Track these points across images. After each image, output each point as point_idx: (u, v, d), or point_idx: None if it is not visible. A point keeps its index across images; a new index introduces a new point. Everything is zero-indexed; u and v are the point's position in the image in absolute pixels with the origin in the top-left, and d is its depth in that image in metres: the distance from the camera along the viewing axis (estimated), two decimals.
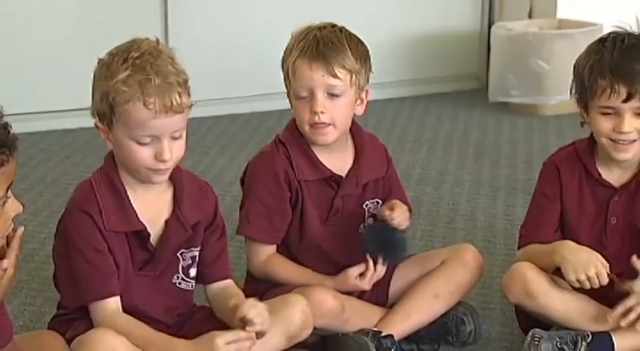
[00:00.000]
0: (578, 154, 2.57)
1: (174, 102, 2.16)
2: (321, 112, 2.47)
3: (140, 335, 2.21)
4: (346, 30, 2.55)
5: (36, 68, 4.53)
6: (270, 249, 2.58)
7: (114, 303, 2.25)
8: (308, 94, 2.49)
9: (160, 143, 2.19)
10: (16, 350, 2.10)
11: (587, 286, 2.44)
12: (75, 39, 4.57)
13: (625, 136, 2.47)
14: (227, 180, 3.83)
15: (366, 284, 2.53)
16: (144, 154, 2.20)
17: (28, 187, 3.85)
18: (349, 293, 2.58)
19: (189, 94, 2.21)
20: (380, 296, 2.65)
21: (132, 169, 2.25)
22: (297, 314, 2.36)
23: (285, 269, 2.56)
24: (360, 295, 2.62)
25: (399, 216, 2.51)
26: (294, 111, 2.54)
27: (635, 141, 2.48)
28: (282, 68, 2.54)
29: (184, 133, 2.24)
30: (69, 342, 2.24)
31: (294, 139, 2.56)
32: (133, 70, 2.16)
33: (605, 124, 2.47)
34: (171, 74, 2.18)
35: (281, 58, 2.55)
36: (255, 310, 2.20)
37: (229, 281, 2.40)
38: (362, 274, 2.52)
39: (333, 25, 2.55)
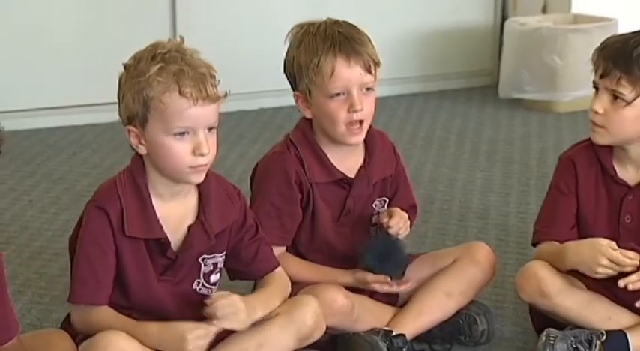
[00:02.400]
0: (595, 150, 2.54)
1: (209, 90, 2.16)
2: (361, 110, 2.44)
3: (118, 328, 2.18)
4: (352, 24, 2.52)
5: (44, 64, 4.52)
6: (280, 250, 2.55)
7: (98, 309, 2.23)
8: (344, 93, 2.44)
9: (197, 137, 2.17)
10: (20, 347, 2.08)
11: (611, 273, 2.39)
12: (83, 35, 4.57)
13: (592, 116, 2.46)
14: (237, 177, 3.80)
15: (380, 289, 2.52)
16: (181, 150, 2.17)
17: (35, 183, 3.84)
18: (360, 291, 2.56)
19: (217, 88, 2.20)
20: (391, 295, 2.63)
21: (169, 169, 2.20)
22: (309, 315, 2.33)
23: (298, 266, 2.53)
24: (371, 293, 2.60)
25: (396, 224, 2.49)
26: (324, 111, 2.46)
27: (602, 127, 2.45)
28: (300, 69, 2.46)
29: (216, 131, 2.21)
30: (81, 341, 2.21)
31: (305, 139, 2.53)
32: (165, 63, 2.15)
33: (591, 102, 2.48)
34: (202, 66, 2.18)
35: (292, 58, 2.48)
36: (222, 301, 2.19)
37: (274, 271, 2.39)
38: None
39: (337, 21, 2.51)
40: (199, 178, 2.22)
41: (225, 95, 2.20)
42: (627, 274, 2.41)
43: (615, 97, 2.43)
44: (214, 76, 2.19)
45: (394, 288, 2.52)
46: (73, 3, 4.57)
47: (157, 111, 2.16)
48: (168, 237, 2.25)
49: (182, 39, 2.23)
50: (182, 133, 2.17)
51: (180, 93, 2.14)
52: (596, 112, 2.45)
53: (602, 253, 2.39)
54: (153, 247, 2.25)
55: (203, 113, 2.16)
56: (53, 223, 3.43)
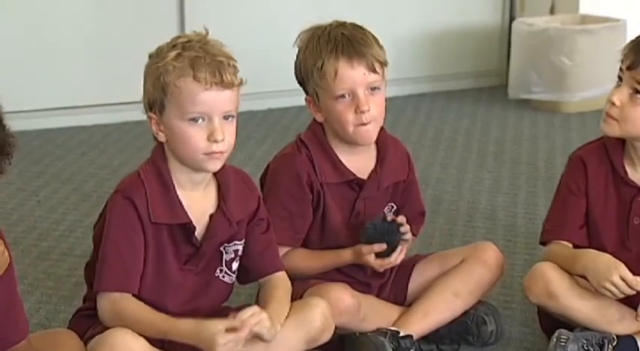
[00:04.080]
0: (607, 149, 2.52)
1: (224, 76, 2.19)
2: (367, 111, 2.44)
3: (149, 321, 2.18)
4: (359, 25, 2.52)
5: (52, 65, 4.53)
6: (287, 249, 2.53)
7: (126, 297, 2.23)
8: (349, 95, 2.45)
9: (212, 123, 2.19)
10: (30, 348, 2.09)
11: (616, 294, 2.37)
12: (91, 36, 4.57)
13: (608, 107, 2.43)
14: None
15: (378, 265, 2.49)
16: (196, 136, 2.19)
17: (44, 183, 3.85)
18: (367, 291, 2.56)
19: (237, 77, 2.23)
20: (398, 295, 2.63)
21: (185, 156, 2.23)
22: (317, 317, 2.33)
23: (304, 255, 2.53)
24: (378, 293, 2.60)
25: (407, 230, 2.49)
26: (332, 114, 2.47)
27: (615, 120, 2.43)
28: (307, 73, 2.47)
29: (235, 121, 2.23)
30: (89, 339, 2.22)
31: (316, 139, 2.53)
32: (183, 50, 2.20)
33: (610, 93, 2.45)
34: (221, 55, 2.22)
35: (299, 63, 2.50)
36: (254, 318, 2.17)
37: (279, 274, 2.39)
38: (378, 255, 2.48)
39: (343, 23, 2.51)
40: (215, 165, 2.23)
41: (241, 83, 2.23)
42: (630, 298, 2.40)
43: (636, 91, 2.41)
44: (233, 66, 2.22)
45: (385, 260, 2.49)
46: (81, 4, 4.57)
47: (173, 96, 2.19)
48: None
49: (207, 31, 2.27)
50: (196, 119, 2.19)
51: (195, 78, 2.17)
52: (613, 104, 2.42)
53: (618, 270, 2.37)
54: (177, 234, 2.26)
55: (217, 99, 2.19)
56: (61, 223, 3.44)
